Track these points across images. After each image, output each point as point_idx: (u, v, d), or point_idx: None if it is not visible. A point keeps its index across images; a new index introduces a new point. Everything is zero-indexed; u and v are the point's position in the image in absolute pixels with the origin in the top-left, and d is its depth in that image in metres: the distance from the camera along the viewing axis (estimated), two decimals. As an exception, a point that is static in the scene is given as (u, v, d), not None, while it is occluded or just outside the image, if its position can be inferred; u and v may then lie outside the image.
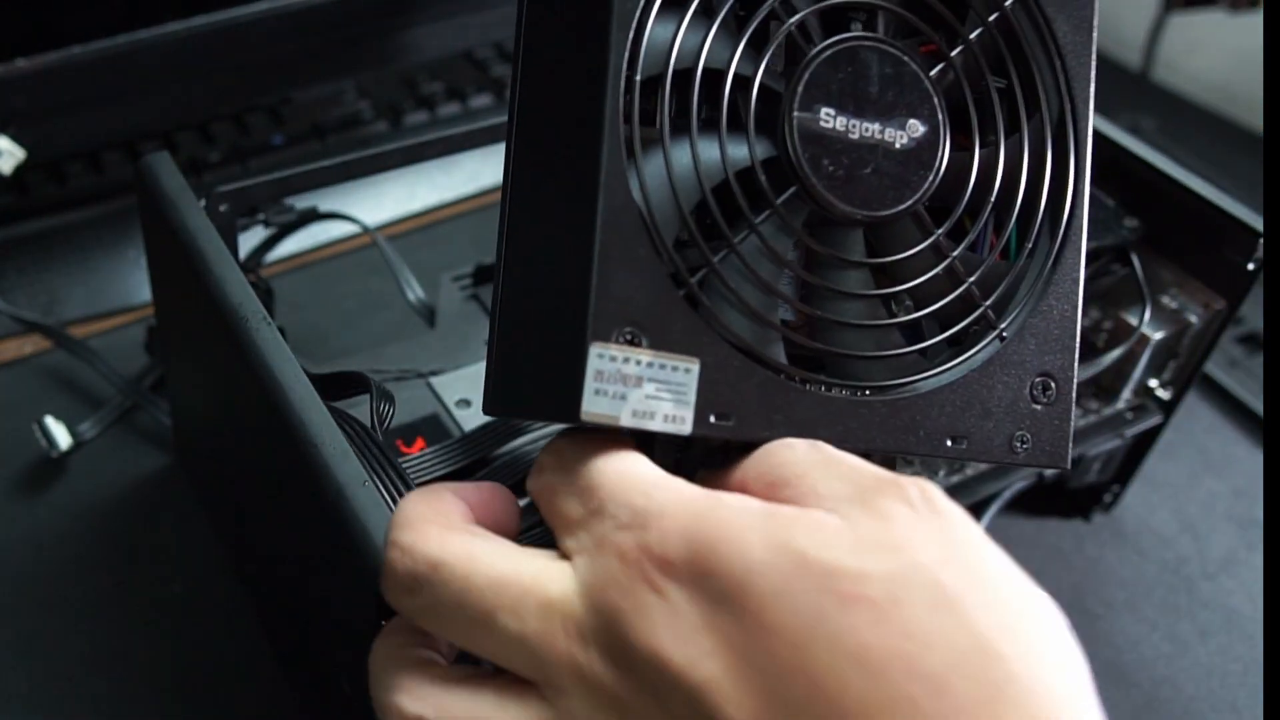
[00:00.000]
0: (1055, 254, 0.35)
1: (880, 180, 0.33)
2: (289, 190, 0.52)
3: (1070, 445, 0.35)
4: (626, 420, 0.30)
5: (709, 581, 0.27)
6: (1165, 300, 0.55)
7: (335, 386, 0.42)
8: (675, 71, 0.31)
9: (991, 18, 0.35)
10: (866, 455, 0.32)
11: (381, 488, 0.36)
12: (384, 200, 0.73)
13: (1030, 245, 0.35)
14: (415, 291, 0.59)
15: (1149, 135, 0.91)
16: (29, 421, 0.57)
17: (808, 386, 0.32)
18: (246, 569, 0.52)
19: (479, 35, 0.82)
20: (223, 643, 0.51)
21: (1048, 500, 0.61)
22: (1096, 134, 0.56)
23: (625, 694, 0.27)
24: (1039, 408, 0.35)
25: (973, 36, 0.35)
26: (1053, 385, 0.35)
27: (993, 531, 0.59)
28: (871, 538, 0.27)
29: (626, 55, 0.31)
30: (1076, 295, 0.36)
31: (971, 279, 0.34)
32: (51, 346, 0.63)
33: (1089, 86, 0.36)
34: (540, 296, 0.33)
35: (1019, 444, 0.35)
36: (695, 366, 0.31)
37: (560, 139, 0.33)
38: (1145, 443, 0.59)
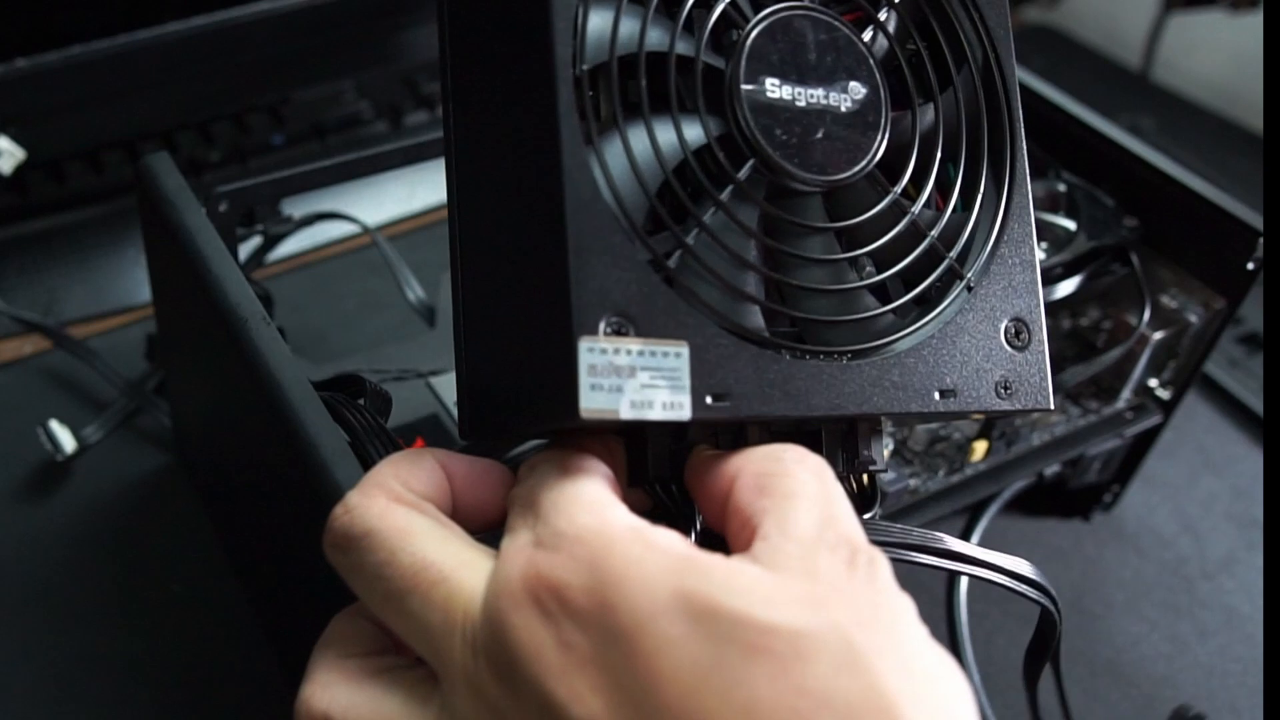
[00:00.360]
0: (1006, 200, 0.36)
1: (832, 145, 0.34)
2: (289, 190, 0.52)
3: (1050, 383, 0.36)
4: (626, 412, 0.29)
5: (605, 617, 0.26)
6: (1165, 300, 0.55)
7: (331, 390, 0.42)
8: (619, 59, 0.31)
9: None
10: (846, 425, 0.32)
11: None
12: (384, 200, 0.73)
13: (980, 194, 0.36)
14: (415, 291, 0.59)
15: (1149, 135, 0.91)
16: (29, 422, 0.57)
17: (804, 356, 0.32)
18: (246, 569, 0.52)
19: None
20: (223, 643, 0.51)
21: (1048, 500, 0.61)
22: (1097, 134, 0.56)
23: (507, 709, 0.27)
24: (1015, 351, 0.35)
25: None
26: (1025, 327, 0.36)
27: (993, 531, 0.60)
28: (792, 592, 0.27)
29: (572, 47, 0.30)
30: (1031, 238, 0.36)
31: (934, 232, 0.35)
32: (51, 347, 0.63)
33: (1009, 38, 0.37)
34: (511, 306, 0.33)
35: (1003, 390, 0.35)
36: (685, 350, 0.31)
37: (510, 141, 0.33)
38: (1145, 442, 0.59)
